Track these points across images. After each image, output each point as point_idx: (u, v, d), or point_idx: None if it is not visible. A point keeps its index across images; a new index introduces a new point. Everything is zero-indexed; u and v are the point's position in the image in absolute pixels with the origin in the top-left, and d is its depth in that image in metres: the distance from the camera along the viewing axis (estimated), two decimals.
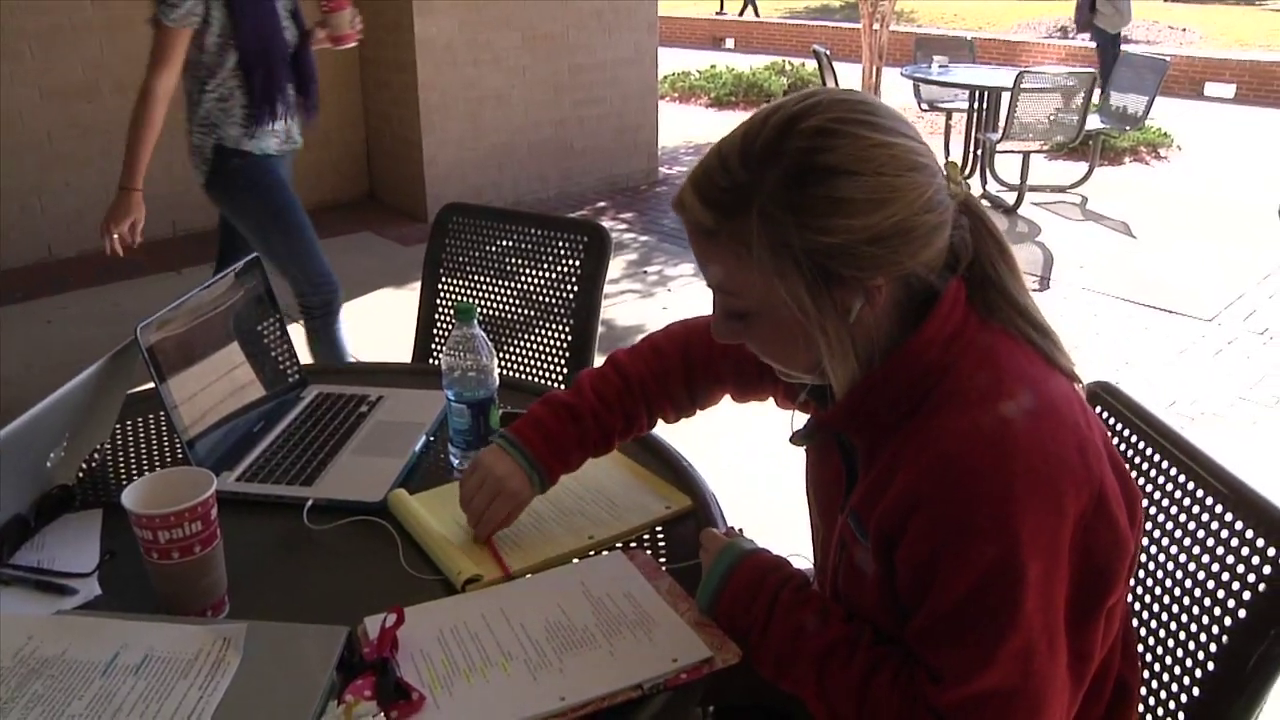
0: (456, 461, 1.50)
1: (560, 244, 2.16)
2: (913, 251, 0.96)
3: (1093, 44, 10.49)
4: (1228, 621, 1.11)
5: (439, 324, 2.26)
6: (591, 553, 1.31)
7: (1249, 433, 3.67)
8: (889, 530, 0.98)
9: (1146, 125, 7.87)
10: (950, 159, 1.03)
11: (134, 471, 1.53)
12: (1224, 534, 1.14)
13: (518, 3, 6.40)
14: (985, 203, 6.80)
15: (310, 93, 3.14)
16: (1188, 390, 3.98)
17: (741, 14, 21.90)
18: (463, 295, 2.26)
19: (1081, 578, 0.93)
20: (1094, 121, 6.98)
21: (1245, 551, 1.11)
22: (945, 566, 0.93)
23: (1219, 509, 1.16)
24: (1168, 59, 7.09)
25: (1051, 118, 6.43)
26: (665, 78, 11.42)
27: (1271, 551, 1.08)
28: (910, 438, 0.98)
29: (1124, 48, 9.35)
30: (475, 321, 1.44)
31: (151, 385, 1.41)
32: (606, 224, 6.09)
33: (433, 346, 2.25)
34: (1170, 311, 4.84)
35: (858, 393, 1.02)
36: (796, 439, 1.15)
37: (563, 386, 2.07)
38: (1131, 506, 0.98)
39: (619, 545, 1.32)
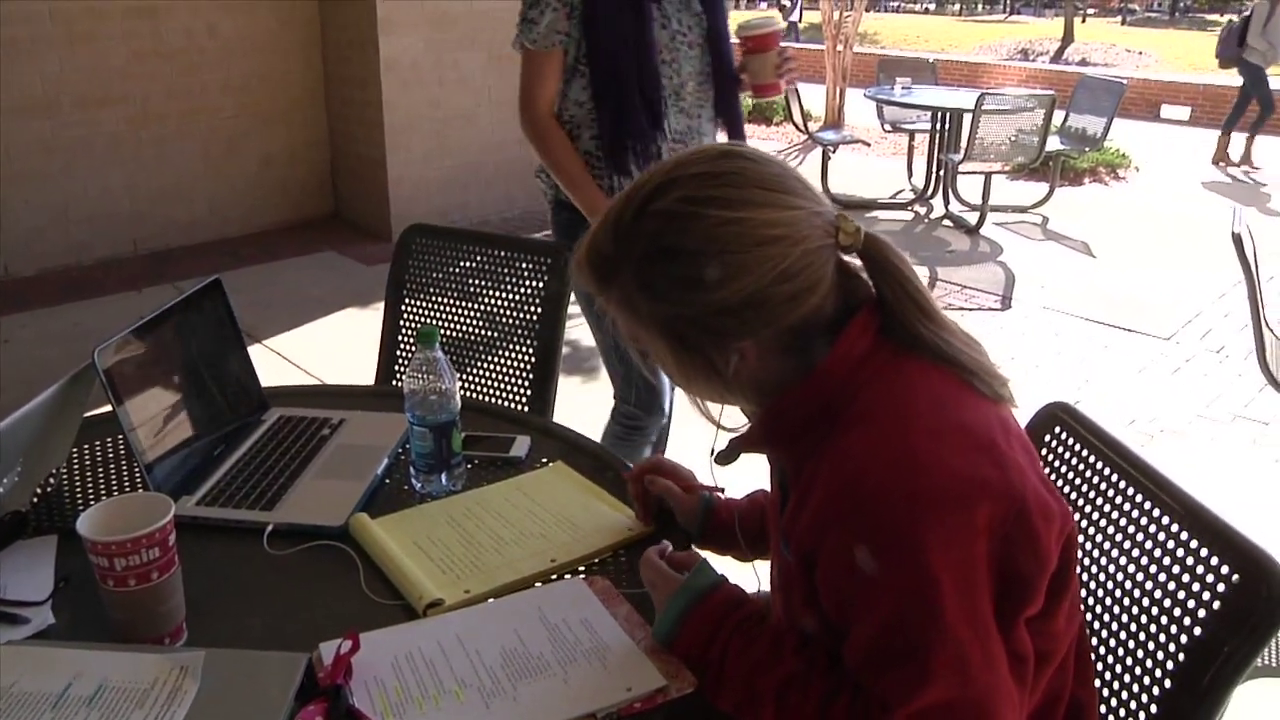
0: (418, 485, 1.49)
1: (524, 265, 2.16)
2: (771, 319, 1.00)
3: (1240, 80, 9.39)
4: (1183, 639, 1.12)
5: (402, 345, 2.25)
6: (554, 576, 1.30)
7: (1207, 450, 3.72)
8: (807, 551, 1.00)
9: (1105, 146, 8.00)
10: (841, 211, 1.03)
11: (91, 497, 1.51)
12: (1180, 552, 1.16)
13: (483, 22, 6.40)
14: (949, 227, 6.88)
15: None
16: (1147, 408, 4.04)
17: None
18: (426, 316, 2.25)
19: (1002, 586, 0.94)
20: (1054, 143, 7.09)
21: (1200, 570, 1.12)
22: (861, 591, 0.94)
23: (1175, 528, 1.17)
24: (1124, 82, 7.21)
25: (1012, 139, 6.52)
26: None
27: (1225, 569, 1.09)
28: (823, 459, 1.00)
29: (1087, 71, 9.38)
30: (437, 345, 1.43)
31: (109, 408, 1.39)
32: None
33: (396, 368, 2.23)
34: (1130, 330, 4.91)
35: (767, 416, 1.06)
36: (719, 458, 1.16)
37: (526, 408, 2.07)
38: (1063, 524, 0.99)
39: (581, 569, 1.32)
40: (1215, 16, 51.86)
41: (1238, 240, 2.87)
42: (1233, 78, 9.85)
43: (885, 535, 0.92)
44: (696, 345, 1.02)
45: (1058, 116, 6.96)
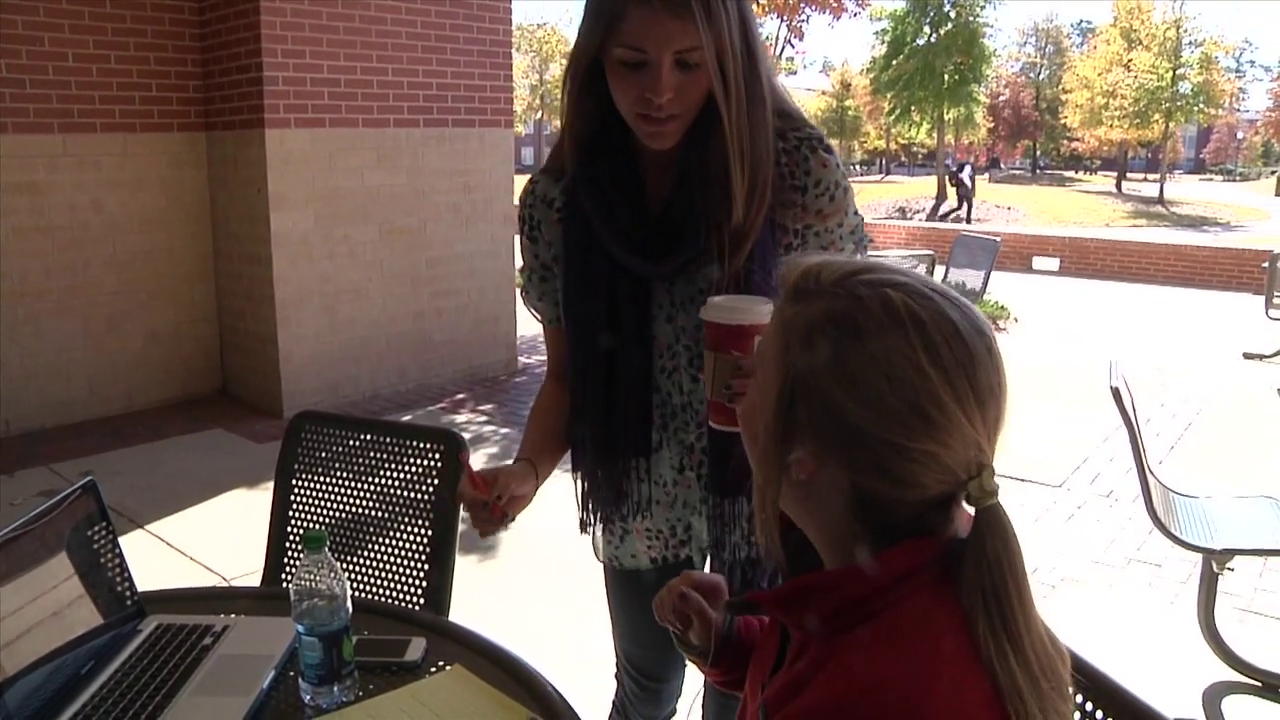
0: (308, 698, 1.39)
1: (417, 447, 2.11)
2: (860, 462, 0.91)
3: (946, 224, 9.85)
4: None
5: (291, 536, 2.15)
6: None
7: (1106, 596, 3.77)
8: None
9: (984, 299, 8.36)
10: (989, 467, 0.96)
11: None
12: None
13: (374, 197, 6.46)
14: None
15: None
16: (1046, 557, 4.09)
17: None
18: (316, 496, 2.17)
19: None
20: None
21: None
22: None
23: (1079, 698, 1.16)
24: (998, 239, 7.62)
25: None
26: (522, 269, 11.62)
27: None
28: (831, 657, 0.92)
29: (962, 227, 9.89)
30: (325, 549, 1.37)
31: None
32: (466, 416, 6.02)
33: (285, 561, 2.13)
34: (1022, 480, 5.01)
35: (793, 590, 0.98)
36: (731, 606, 1.15)
37: (422, 600, 1.98)
38: None
39: None
40: (1071, 174, 55.89)
41: (1116, 394, 2.98)
42: (1094, 229, 10.49)
43: None
44: (793, 413, 0.92)
45: (939, 273, 7.27)
